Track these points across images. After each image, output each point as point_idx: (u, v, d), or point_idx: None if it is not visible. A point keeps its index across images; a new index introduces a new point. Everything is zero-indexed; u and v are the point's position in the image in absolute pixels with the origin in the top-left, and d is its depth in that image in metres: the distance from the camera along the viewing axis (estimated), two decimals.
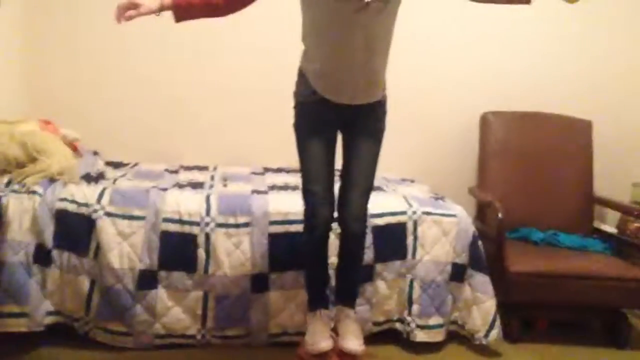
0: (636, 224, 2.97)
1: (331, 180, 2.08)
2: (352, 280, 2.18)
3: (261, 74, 3.19)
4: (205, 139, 3.28)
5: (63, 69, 3.16)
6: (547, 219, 3.05)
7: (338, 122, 2.07)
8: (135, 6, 1.89)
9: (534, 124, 3.24)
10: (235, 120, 3.26)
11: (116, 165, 3.05)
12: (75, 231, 2.30)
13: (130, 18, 1.90)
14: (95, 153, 3.02)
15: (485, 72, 3.35)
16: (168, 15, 1.95)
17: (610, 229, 3.13)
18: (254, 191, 2.57)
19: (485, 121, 3.23)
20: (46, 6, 3.10)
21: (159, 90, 3.22)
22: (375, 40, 1.93)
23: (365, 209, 2.07)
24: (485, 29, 3.28)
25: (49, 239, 2.28)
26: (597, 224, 3.18)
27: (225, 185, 2.71)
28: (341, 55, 1.92)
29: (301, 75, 2.05)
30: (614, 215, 3.25)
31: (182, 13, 1.95)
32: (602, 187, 3.21)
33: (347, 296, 2.14)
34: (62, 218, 2.30)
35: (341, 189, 2.09)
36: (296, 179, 2.47)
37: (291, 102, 2.09)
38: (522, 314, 2.64)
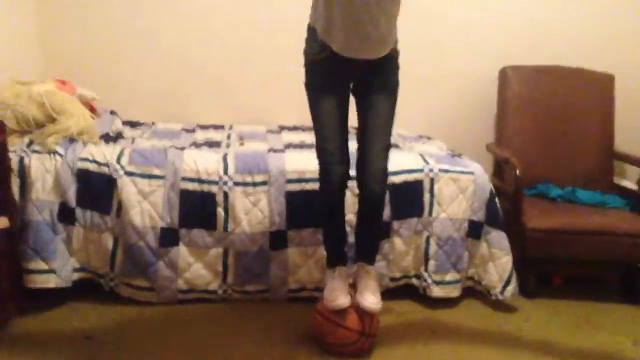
0: None
1: (345, 138, 2.06)
2: (373, 238, 2.20)
3: (276, 32, 3.15)
4: (221, 98, 3.27)
5: (78, 29, 3.14)
6: (566, 176, 3.02)
7: (350, 79, 2.04)
8: None
9: (554, 78, 3.16)
10: (251, 78, 3.24)
11: (133, 125, 3.07)
12: (97, 190, 2.34)
13: None
14: (113, 113, 3.02)
15: (504, 25, 3.25)
16: None
17: (631, 185, 3.09)
18: (271, 150, 2.57)
19: (504, 76, 3.16)
20: None
21: (174, 49, 3.20)
22: None
23: (386, 169, 2.06)
24: None
25: (72, 198, 2.32)
26: (617, 180, 3.15)
27: (242, 145, 2.72)
28: (351, 8, 1.88)
29: (311, 31, 2.02)
30: (635, 171, 3.20)
31: None
32: (623, 142, 3.16)
33: (368, 253, 2.17)
34: (84, 178, 2.34)
35: (360, 148, 2.08)
36: (313, 137, 2.45)
37: None
38: (538, 270, 2.65)
